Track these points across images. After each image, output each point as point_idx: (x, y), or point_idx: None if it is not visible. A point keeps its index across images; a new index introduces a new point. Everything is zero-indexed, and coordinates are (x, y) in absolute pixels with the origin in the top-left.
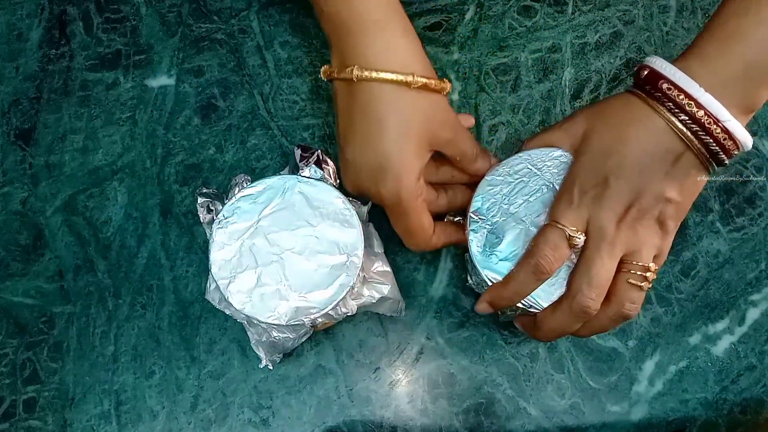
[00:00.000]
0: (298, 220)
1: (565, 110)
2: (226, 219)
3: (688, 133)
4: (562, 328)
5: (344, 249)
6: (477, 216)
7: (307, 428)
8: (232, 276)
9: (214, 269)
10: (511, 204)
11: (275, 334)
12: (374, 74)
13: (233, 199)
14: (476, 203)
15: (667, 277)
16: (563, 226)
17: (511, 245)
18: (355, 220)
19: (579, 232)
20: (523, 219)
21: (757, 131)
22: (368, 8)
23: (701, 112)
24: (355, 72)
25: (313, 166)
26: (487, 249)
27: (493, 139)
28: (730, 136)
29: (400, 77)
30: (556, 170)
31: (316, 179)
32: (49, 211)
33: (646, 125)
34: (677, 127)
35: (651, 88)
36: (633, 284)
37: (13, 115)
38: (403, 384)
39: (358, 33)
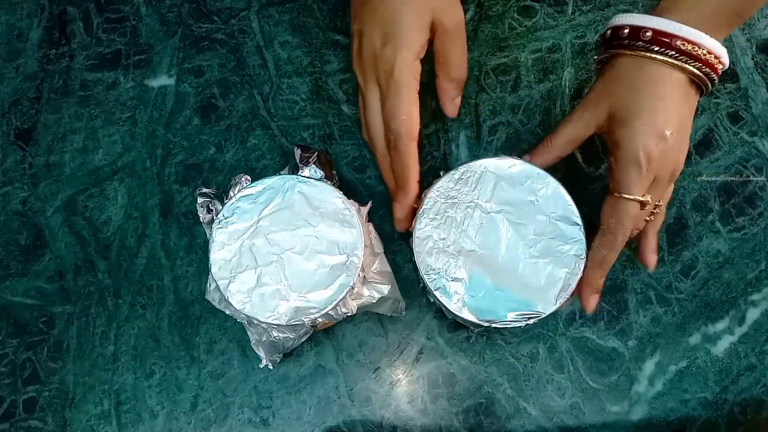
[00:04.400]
0: (298, 220)
1: (566, 110)
2: (226, 219)
3: (693, 69)
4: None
5: (344, 249)
6: (432, 273)
7: (307, 428)
8: (232, 276)
9: (214, 269)
10: (451, 243)
11: (275, 334)
12: None
13: (233, 199)
14: (422, 262)
15: (667, 277)
16: (636, 197)
17: (478, 279)
18: (355, 220)
19: (649, 195)
20: (471, 249)
21: (757, 131)
22: None
23: (692, 47)
24: None
25: (313, 166)
26: (463, 297)
27: (493, 139)
28: (715, 55)
29: None
30: (469, 187)
31: (316, 179)
32: (49, 211)
33: (665, 78)
34: (686, 69)
35: (645, 42)
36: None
37: (13, 115)
38: (403, 384)
39: None
